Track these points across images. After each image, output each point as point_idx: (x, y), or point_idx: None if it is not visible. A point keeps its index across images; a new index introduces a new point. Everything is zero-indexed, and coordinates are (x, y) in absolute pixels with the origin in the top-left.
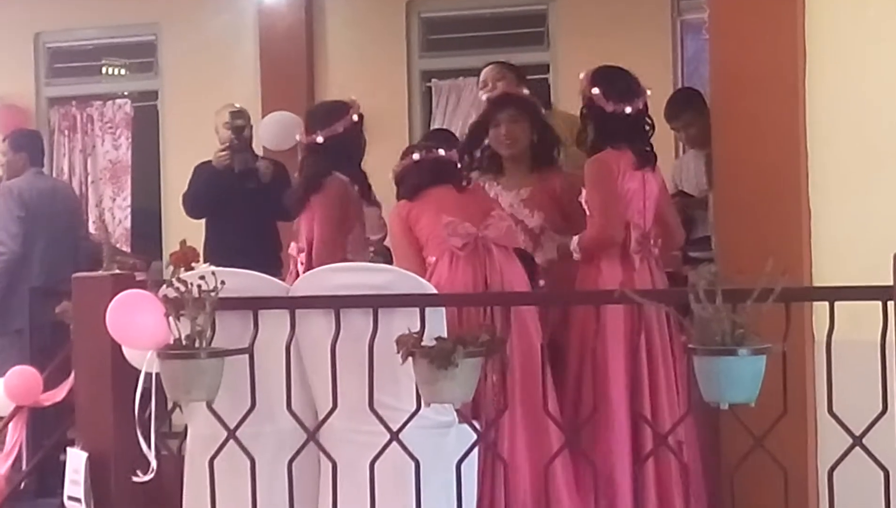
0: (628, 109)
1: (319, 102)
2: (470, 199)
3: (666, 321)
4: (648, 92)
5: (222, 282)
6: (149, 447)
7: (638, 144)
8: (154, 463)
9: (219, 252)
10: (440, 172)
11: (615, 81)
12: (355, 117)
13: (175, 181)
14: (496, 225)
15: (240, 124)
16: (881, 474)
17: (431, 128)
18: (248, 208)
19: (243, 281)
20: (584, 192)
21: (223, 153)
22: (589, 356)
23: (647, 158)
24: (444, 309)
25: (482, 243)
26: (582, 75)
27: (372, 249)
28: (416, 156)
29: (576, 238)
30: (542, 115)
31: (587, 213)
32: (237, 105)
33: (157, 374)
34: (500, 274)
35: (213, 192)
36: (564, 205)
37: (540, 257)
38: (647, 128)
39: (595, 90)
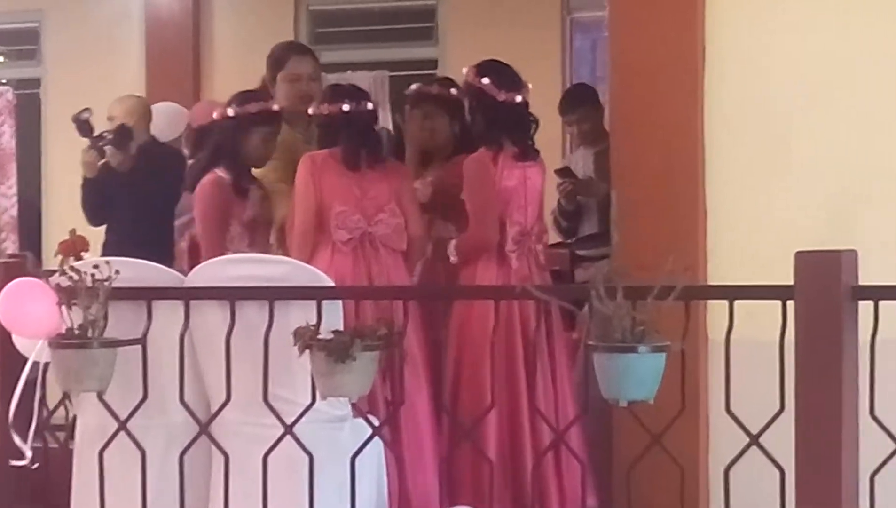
0: (518, 98)
1: None
2: (375, 182)
3: (545, 318)
4: (529, 86)
5: (116, 271)
6: (24, 440)
7: (522, 137)
8: (29, 454)
9: (116, 246)
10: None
11: (502, 72)
12: (230, 112)
13: (57, 171)
14: (386, 222)
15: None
16: (775, 473)
17: None
18: (140, 201)
19: (137, 271)
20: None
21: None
22: (466, 353)
23: (529, 151)
24: (341, 302)
25: (368, 239)
26: (465, 70)
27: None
28: (346, 107)
29: (453, 242)
30: (462, 110)
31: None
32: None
33: (45, 364)
34: (388, 274)
35: (104, 192)
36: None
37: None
38: (531, 122)
39: (485, 80)
